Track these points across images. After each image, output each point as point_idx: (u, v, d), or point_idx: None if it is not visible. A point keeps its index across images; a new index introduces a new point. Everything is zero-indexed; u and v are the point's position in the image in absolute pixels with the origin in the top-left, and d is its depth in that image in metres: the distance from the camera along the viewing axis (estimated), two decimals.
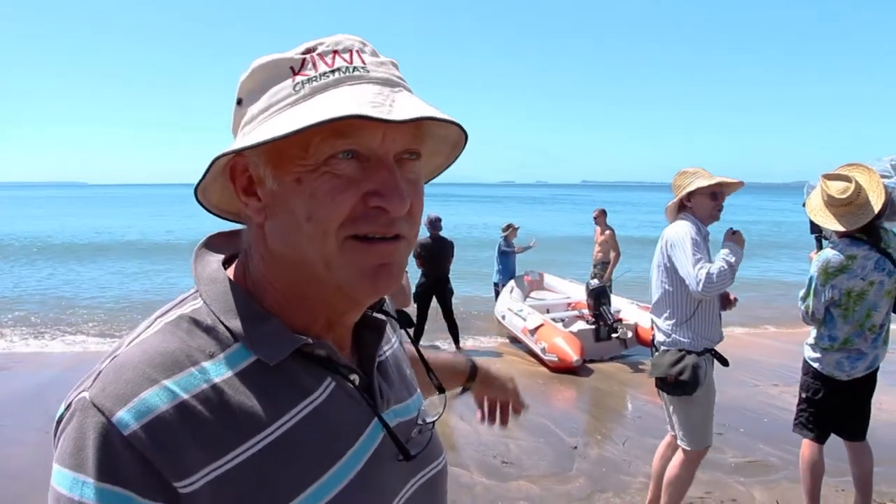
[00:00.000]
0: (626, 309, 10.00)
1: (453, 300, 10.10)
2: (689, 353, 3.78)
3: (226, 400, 0.77)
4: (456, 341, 9.96)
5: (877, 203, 3.73)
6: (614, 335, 9.11)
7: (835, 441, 4.12)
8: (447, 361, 1.51)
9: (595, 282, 9.66)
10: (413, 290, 9.67)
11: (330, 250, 0.79)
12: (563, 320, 9.99)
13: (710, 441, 3.94)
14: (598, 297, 9.29)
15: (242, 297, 0.85)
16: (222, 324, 0.82)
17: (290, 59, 0.81)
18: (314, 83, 0.78)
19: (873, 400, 4.08)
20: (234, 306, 0.84)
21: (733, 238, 3.82)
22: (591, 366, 8.62)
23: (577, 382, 8.06)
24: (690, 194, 3.83)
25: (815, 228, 4.07)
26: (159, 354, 0.78)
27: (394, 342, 1.07)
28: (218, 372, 0.79)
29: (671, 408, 3.96)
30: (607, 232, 11.55)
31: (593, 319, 9.34)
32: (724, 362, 3.93)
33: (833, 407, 3.98)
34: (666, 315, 3.88)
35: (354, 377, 0.89)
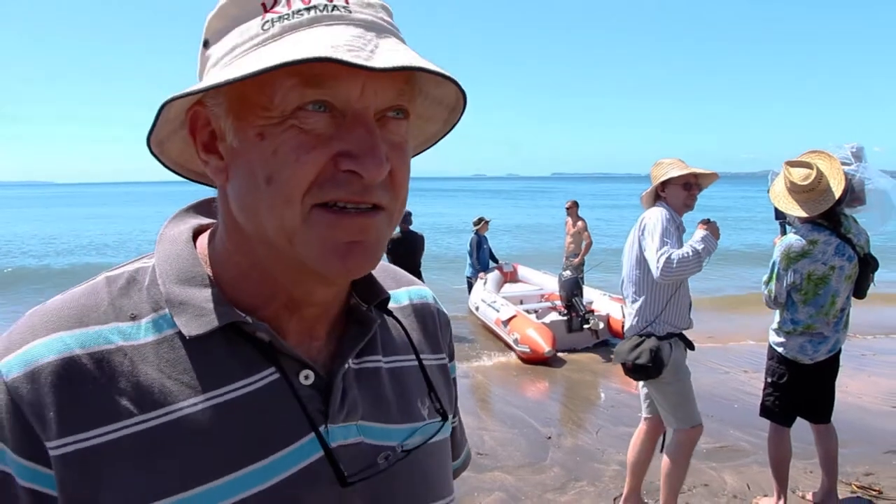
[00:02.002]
0: (599, 300, 10.11)
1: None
2: (650, 336, 3.80)
3: (125, 366, 0.68)
4: None
5: (837, 189, 3.79)
6: (586, 326, 9.19)
7: (802, 424, 4.19)
8: None
9: (567, 273, 9.73)
10: None
11: (293, 220, 0.67)
12: (536, 311, 10.04)
13: (698, 419, 3.93)
14: (571, 288, 9.38)
15: (190, 261, 0.76)
16: (160, 286, 0.74)
17: None
18: (285, 21, 0.66)
19: (837, 383, 4.16)
20: (180, 270, 0.75)
21: (707, 227, 3.85)
22: (563, 356, 8.68)
23: (549, 373, 8.11)
24: (664, 184, 3.87)
25: (780, 214, 4.13)
26: (72, 307, 0.70)
27: (409, 358, 0.90)
28: (131, 335, 0.70)
29: (647, 391, 4.01)
30: (579, 223, 11.64)
31: (566, 311, 9.42)
32: (690, 346, 3.97)
33: (798, 390, 4.05)
34: (632, 299, 3.92)
35: (307, 373, 0.75)
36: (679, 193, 3.86)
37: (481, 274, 11.62)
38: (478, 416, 6.44)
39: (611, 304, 9.84)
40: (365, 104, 0.66)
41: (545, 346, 8.32)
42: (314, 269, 0.70)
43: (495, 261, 12.45)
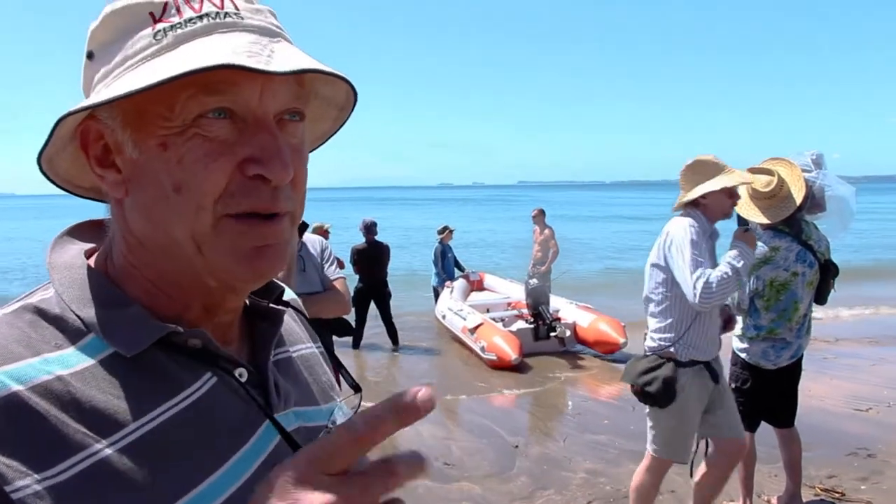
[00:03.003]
0: (565, 308, 10.11)
1: (392, 302, 10.09)
2: (669, 362, 3.49)
3: (73, 394, 0.62)
4: (395, 342, 9.96)
5: (798, 196, 3.84)
6: (553, 334, 9.20)
7: (766, 428, 4.23)
8: None
9: (534, 282, 9.74)
10: (351, 295, 9.63)
11: (202, 229, 0.68)
12: (502, 320, 10.05)
13: (682, 457, 3.64)
14: (538, 296, 9.40)
15: (101, 283, 0.72)
16: (73, 313, 0.69)
17: (149, 3, 0.68)
18: (178, 31, 0.66)
19: (800, 387, 4.21)
20: (88, 293, 0.70)
21: (744, 237, 3.45)
22: (529, 361, 8.67)
23: (517, 381, 8.09)
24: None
25: (742, 221, 4.17)
26: None
27: (308, 345, 0.95)
28: (65, 363, 0.64)
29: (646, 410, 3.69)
30: (546, 231, 11.69)
31: (532, 319, 9.42)
32: (715, 378, 3.60)
33: (761, 395, 4.08)
34: (657, 319, 3.58)
35: (240, 371, 0.76)
36: (724, 202, 3.48)
37: (448, 283, 11.60)
38: (444, 426, 6.40)
39: (577, 312, 9.86)
40: (265, 109, 0.68)
41: (512, 354, 8.32)
42: (222, 276, 0.71)
43: (461, 269, 12.44)
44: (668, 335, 3.51)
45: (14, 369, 0.62)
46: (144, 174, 0.68)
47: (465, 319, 9.61)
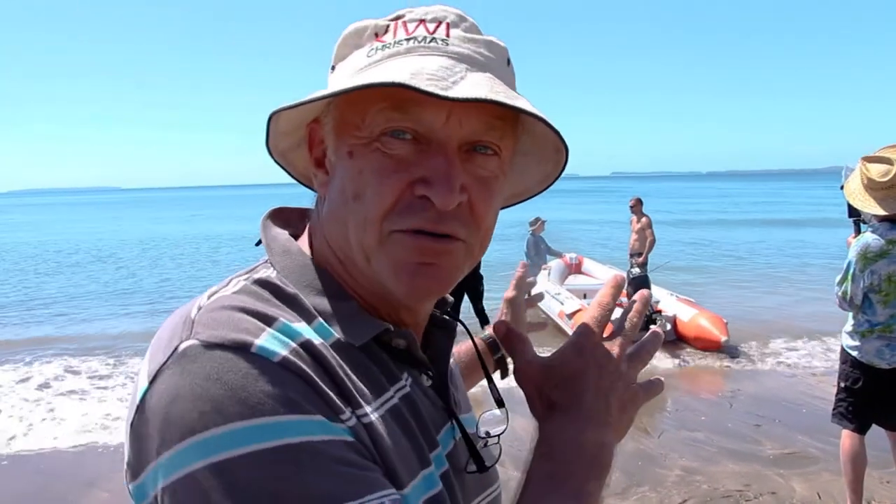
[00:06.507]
0: (666, 300, 9.78)
1: (486, 293, 10.09)
2: None
3: (337, 358, 0.68)
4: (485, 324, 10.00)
5: None
6: (653, 327, 8.86)
7: (877, 431, 4.02)
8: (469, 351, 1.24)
9: (636, 271, 9.50)
10: None
11: (369, 241, 0.71)
12: None
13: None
14: (639, 286, 9.14)
15: (321, 273, 0.76)
16: (303, 298, 0.73)
17: (376, 24, 0.74)
18: (387, 50, 0.72)
19: None
20: (312, 281, 0.75)
21: None
22: None
23: None
24: None
25: (854, 212, 3.97)
26: (252, 306, 0.67)
27: (453, 357, 0.96)
28: (321, 335, 0.69)
29: None
30: (643, 219, 11.49)
31: None
32: None
33: (873, 396, 3.88)
34: None
35: (426, 376, 0.81)
36: None
37: (544, 265, 11.51)
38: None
39: (678, 305, 9.53)
40: (448, 133, 0.69)
41: None
42: (385, 290, 0.74)
43: (556, 256, 12.33)
44: None
45: (297, 326, 0.67)
46: (336, 178, 0.74)
47: (562, 304, 9.47)
